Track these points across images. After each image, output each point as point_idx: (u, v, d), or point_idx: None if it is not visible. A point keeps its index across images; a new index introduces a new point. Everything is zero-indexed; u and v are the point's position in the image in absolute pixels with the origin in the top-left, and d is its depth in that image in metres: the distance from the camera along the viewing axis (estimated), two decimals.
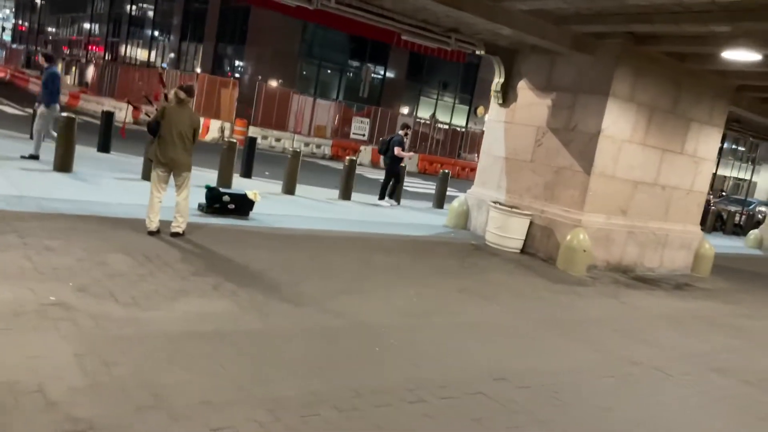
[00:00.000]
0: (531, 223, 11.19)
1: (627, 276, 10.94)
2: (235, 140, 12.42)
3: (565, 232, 10.54)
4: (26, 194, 8.17)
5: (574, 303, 8.23)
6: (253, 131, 25.82)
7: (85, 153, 12.39)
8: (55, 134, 11.15)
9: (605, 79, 10.43)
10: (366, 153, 27.33)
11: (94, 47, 54.80)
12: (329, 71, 34.50)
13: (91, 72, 43.81)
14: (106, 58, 48.76)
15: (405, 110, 37.63)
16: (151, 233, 7.36)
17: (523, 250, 11.17)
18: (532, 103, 11.68)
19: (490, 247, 11.05)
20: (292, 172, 13.03)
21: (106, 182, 10.28)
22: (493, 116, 12.52)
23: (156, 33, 43.24)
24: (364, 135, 28.98)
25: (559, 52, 10.96)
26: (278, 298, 5.90)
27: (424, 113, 37.50)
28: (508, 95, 12.15)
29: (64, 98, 31.58)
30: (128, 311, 4.76)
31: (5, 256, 5.48)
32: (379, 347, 5.08)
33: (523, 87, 11.89)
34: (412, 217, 13.18)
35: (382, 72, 36.24)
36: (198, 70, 33.85)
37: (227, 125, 25.19)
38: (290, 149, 26.59)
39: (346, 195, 13.86)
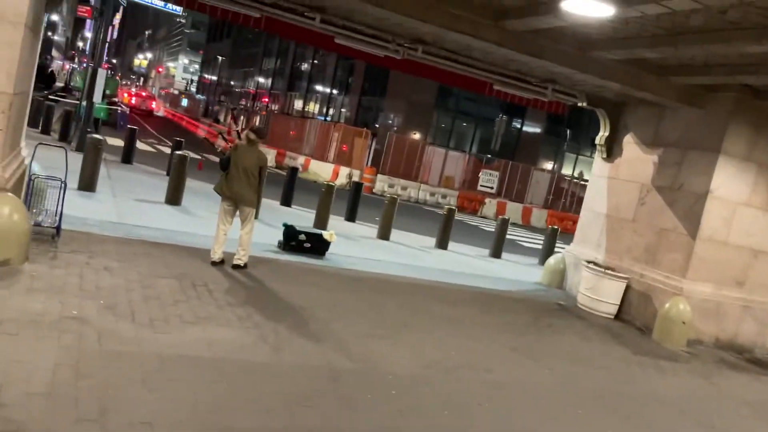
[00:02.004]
0: (628, 287, 10.31)
1: (739, 356, 9.64)
2: (333, 185, 12.83)
3: (664, 300, 9.58)
4: (123, 221, 9.00)
5: (647, 378, 7.39)
6: (381, 179, 26.56)
7: (202, 188, 13.43)
8: None
9: (716, 136, 9.51)
10: (491, 206, 26.93)
11: (264, 99, 59.81)
12: (464, 123, 34.73)
13: (255, 121, 47.87)
14: (268, 108, 52.97)
15: (548, 165, 36.73)
16: (213, 263, 7.76)
17: (617, 316, 10.29)
18: (637, 159, 10.92)
19: (580, 310, 10.31)
20: (387, 218, 13.16)
21: (206, 215, 11.03)
22: (597, 171, 11.85)
23: (311, 86, 46.30)
24: (492, 188, 28.62)
25: (667, 106, 10.21)
26: (302, 334, 5.93)
27: (568, 169, 36.38)
28: (612, 149, 11.46)
29: (222, 142, 34.66)
30: (138, 331, 5.03)
31: (62, 272, 6.04)
32: (373, 395, 4.89)
33: (628, 141, 11.17)
34: (508, 271, 12.70)
35: (518, 125, 35.82)
36: (341, 120, 35.68)
37: (356, 172, 26.12)
38: (415, 198, 27.12)
39: (442, 244, 13.70)
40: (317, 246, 9.66)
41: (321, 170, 25.87)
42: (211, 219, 10.85)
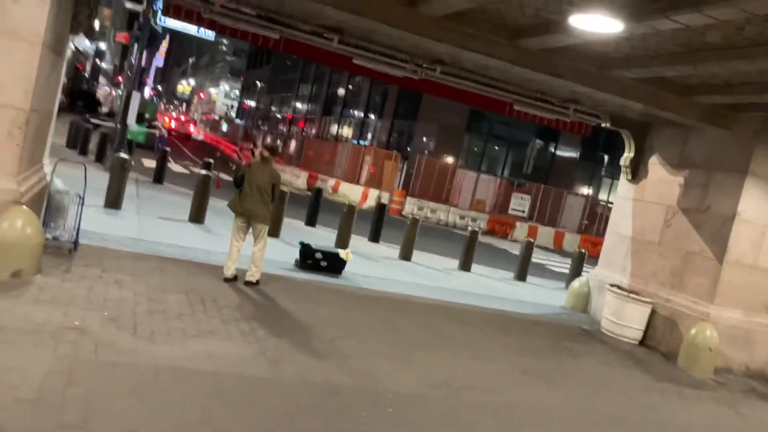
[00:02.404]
0: (653, 312, 10.00)
1: None
2: (355, 204, 12.85)
3: (690, 326, 9.25)
4: (143, 238, 9.14)
5: (669, 405, 7.10)
6: (411, 202, 26.54)
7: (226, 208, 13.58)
8: None
9: (743, 156, 9.24)
10: (521, 230, 26.60)
11: (300, 123, 60.75)
12: (496, 147, 34.57)
13: (290, 144, 48.64)
14: (303, 132, 53.69)
15: (583, 190, 36.20)
16: (226, 280, 7.80)
17: (642, 342, 9.98)
18: (662, 180, 10.66)
19: (604, 335, 10.03)
20: (409, 239, 13.10)
21: (226, 233, 11.06)
22: (622, 192, 11.61)
23: (346, 110, 46.81)
24: (523, 211, 28.32)
25: (692, 126, 9.98)
26: (304, 350, 5.88)
27: (604, 194, 35.80)
28: (638, 171, 11.21)
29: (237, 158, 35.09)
30: (137, 343, 5.06)
31: (72, 284, 6.15)
32: (368, 412, 4.81)
33: (654, 162, 10.93)
34: (532, 294, 12.47)
35: (552, 149, 35.49)
36: (374, 143, 35.89)
37: (386, 195, 26.15)
38: (444, 221, 26.98)
39: (465, 266, 13.55)
40: (333, 265, 9.64)
41: (351, 192, 25.99)
42: (229, 236, 11.00)
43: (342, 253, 9.69)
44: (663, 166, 10.71)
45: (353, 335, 6.77)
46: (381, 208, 15.15)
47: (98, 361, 4.54)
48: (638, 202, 11.11)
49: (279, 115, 68.53)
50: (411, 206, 26.38)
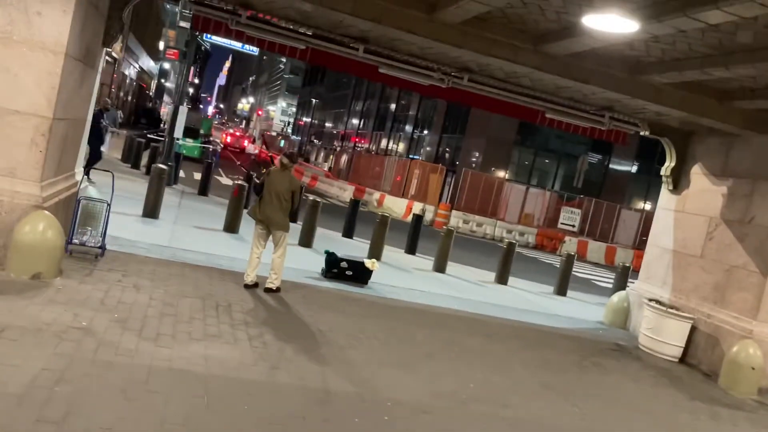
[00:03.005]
0: (694, 328, 9.53)
1: None
2: (389, 215, 12.80)
3: (732, 343, 8.76)
4: (173, 245, 9.33)
5: (696, 425, 6.71)
6: (456, 215, 26.31)
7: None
8: None
9: None
10: (571, 244, 25.95)
11: (352, 138, 61.44)
12: (546, 160, 33.95)
13: (342, 159, 49.14)
14: (355, 147, 54.21)
15: (639, 204, 35.11)
16: (246, 286, 7.86)
17: (682, 360, 9.51)
18: (705, 191, 10.19)
19: (641, 351, 9.61)
20: (443, 251, 12.94)
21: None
22: (663, 203, 11.15)
23: (396, 125, 47.03)
24: (573, 226, 27.64)
25: (737, 134, 9.53)
26: (309, 356, 5.84)
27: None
28: (679, 181, 10.76)
29: (306, 179, 35.70)
30: (139, 344, 5.12)
31: (89, 287, 6.30)
32: (361, 419, 4.70)
33: (696, 172, 10.46)
34: (569, 308, 12.09)
35: (605, 162, 34.59)
36: (423, 157, 35.86)
37: (430, 208, 26.02)
38: (491, 235, 26.60)
39: (502, 279, 13.27)
40: (359, 274, 9.60)
41: (395, 206, 25.97)
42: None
43: (368, 262, 9.64)
44: (706, 176, 10.24)
45: (365, 344, 6.69)
46: (418, 219, 15.05)
47: (95, 360, 4.61)
48: (680, 213, 10.64)
49: (333, 131, 69.48)
50: (456, 220, 26.16)
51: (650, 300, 9.98)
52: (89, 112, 8.29)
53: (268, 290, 7.90)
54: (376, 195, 27.96)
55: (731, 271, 9.33)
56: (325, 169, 47.58)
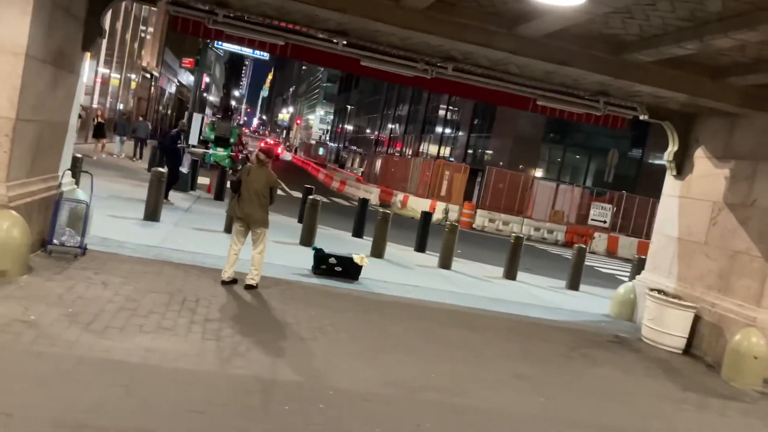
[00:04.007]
0: (698, 318, 9.11)
1: None
2: (413, 216, 12.67)
3: (736, 333, 8.31)
4: (162, 246, 9.40)
5: (678, 415, 6.36)
6: (481, 214, 25.97)
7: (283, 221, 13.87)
8: None
9: None
10: (601, 241, 25.31)
11: (385, 143, 61.64)
12: (577, 156, 33.25)
13: (373, 163, 49.20)
14: (388, 151, 54.27)
15: None
16: (223, 283, 7.85)
17: (687, 351, 9.09)
18: (708, 175, 9.75)
19: (642, 343, 9.23)
20: (447, 247, 12.73)
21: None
22: (667, 190, 10.72)
23: (426, 128, 46.90)
24: (604, 221, 26.91)
25: (738, 114, 9.09)
26: (266, 349, 5.76)
27: None
28: (683, 166, 10.34)
29: (336, 184, 35.86)
30: (81, 336, 5.13)
31: (54, 284, 6.37)
32: (291, 407, 4.59)
33: (699, 156, 10.03)
34: (579, 302, 11.73)
35: (639, 156, 33.66)
36: (452, 158, 35.59)
37: (454, 207, 25.75)
38: (517, 233, 26.10)
39: (510, 275, 12.97)
40: (349, 270, 9.50)
41: (418, 206, 25.74)
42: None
43: (356, 257, 9.53)
44: (709, 159, 9.80)
45: (331, 336, 6.58)
46: (427, 217, 14.85)
47: (27, 351, 4.64)
48: (684, 199, 10.21)
49: (367, 136, 69.78)
50: (482, 219, 25.81)
51: (652, 290, 9.58)
52: (72, 115, 8.43)
53: (249, 287, 7.87)
54: (400, 196, 27.83)
55: (735, 257, 8.88)
56: (358, 174, 47.75)
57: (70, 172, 8.66)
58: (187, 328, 5.90)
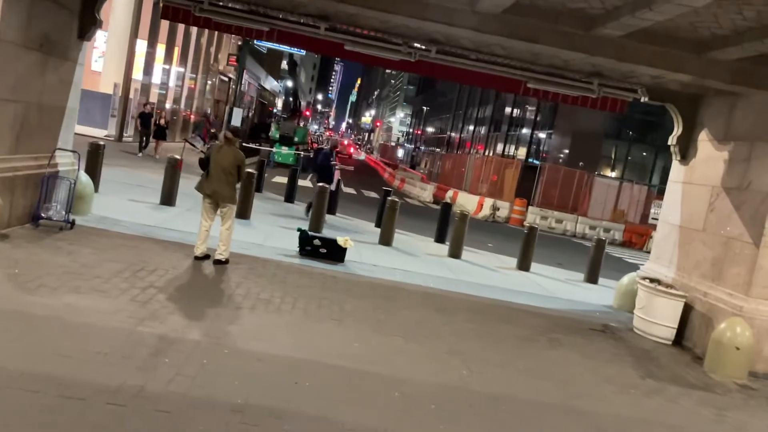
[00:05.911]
0: (689, 307, 8.63)
1: None
2: (467, 212, 12.70)
3: (723, 322, 7.83)
4: (158, 225, 9.86)
5: (617, 398, 6.07)
6: (533, 211, 25.41)
7: (284, 210, 14.17)
8: None
9: None
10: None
11: (456, 141, 61.41)
12: (644, 153, 31.79)
13: (437, 163, 49.13)
14: (458, 150, 53.97)
15: None
16: (197, 258, 8.19)
17: (677, 342, 8.63)
18: (709, 158, 9.21)
19: (632, 333, 8.85)
20: (457, 236, 12.61)
21: (264, 228, 11.60)
22: (672, 176, 10.20)
23: (493, 125, 46.27)
24: None
25: (740, 94, 8.55)
26: (187, 313, 5.97)
27: None
28: (687, 150, 9.80)
29: (396, 182, 35.98)
30: (10, 293, 5.54)
31: (19, 250, 6.88)
32: (171, 360, 4.78)
33: (702, 139, 9.49)
34: (584, 293, 11.35)
35: None
36: (517, 156, 34.98)
37: (504, 204, 25.31)
38: (572, 231, 25.34)
39: (523, 266, 12.67)
40: (333, 252, 9.64)
41: (467, 202, 25.55)
42: (268, 231, 11.47)
43: (340, 240, 9.66)
44: (710, 141, 9.26)
45: (270, 307, 6.72)
46: (446, 207, 14.75)
47: None
48: (687, 185, 9.68)
49: (438, 137, 69.67)
50: (533, 216, 25.23)
51: (643, 278, 9.15)
52: (70, 101, 9.04)
53: (218, 262, 8.17)
54: (450, 193, 27.68)
55: (728, 244, 8.35)
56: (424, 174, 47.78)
57: (72, 153, 9.25)
58: (123, 291, 6.22)
